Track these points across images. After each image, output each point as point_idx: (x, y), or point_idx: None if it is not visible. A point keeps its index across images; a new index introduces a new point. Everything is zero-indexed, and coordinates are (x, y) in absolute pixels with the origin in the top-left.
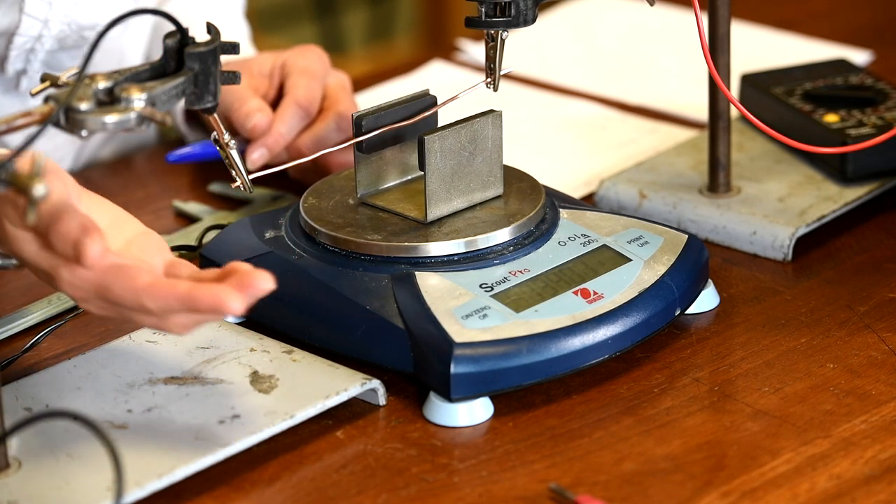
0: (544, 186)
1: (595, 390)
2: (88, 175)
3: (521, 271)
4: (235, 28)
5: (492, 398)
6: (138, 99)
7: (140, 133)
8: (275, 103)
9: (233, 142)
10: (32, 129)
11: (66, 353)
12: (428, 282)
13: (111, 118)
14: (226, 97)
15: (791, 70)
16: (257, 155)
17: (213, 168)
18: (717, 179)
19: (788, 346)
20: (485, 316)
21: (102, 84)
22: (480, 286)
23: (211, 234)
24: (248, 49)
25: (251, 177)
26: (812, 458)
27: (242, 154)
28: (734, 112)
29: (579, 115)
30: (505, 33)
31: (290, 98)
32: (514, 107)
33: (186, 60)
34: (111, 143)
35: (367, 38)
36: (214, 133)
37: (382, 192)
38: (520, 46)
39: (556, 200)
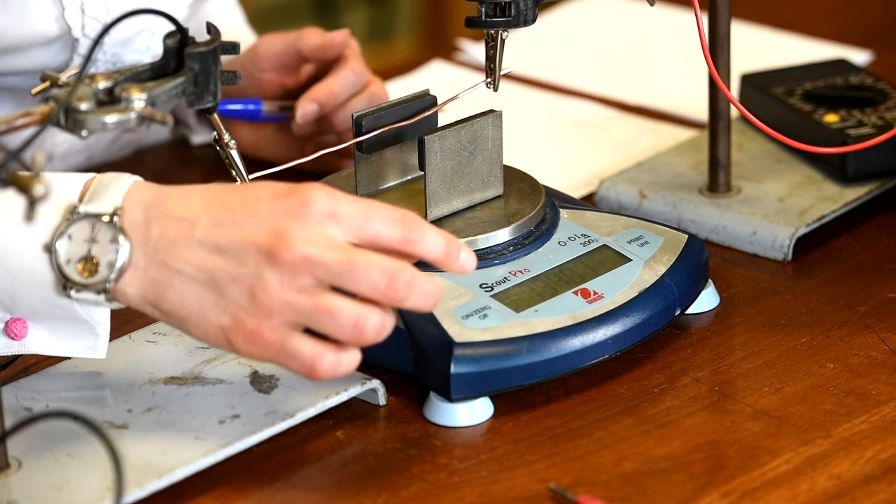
0: (544, 186)
1: (595, 390)
2: None
3: (521, 271)
4: (232, 16)
5: (492, 398)
6: (138, 99)
7: (139, 133)
8: (303, 87)
9: (233, 142)
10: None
11: None
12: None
13: (111, 118)
14: (288, 36)
15: (791, 70)
16: (309, 109)
17: (213, 168)
18: (717, 179)
19: (788, 346)
20: (485, 316)
21: (102, 84)
22: (480, 286)
23: None
24: (249, 35)
25: (251, 176)
26: (812, 458)
27: (290, 119)
28: (734, 112)
29: (579, 115)
30: (505, 33)
31: (346, 63)
32: (514, 107)
33: (186, 60)
34: (130, 143)
35: (367, 38)
36: (215, 133)
37: (382, 192)
38: (520, 46)
39: (556, 200)
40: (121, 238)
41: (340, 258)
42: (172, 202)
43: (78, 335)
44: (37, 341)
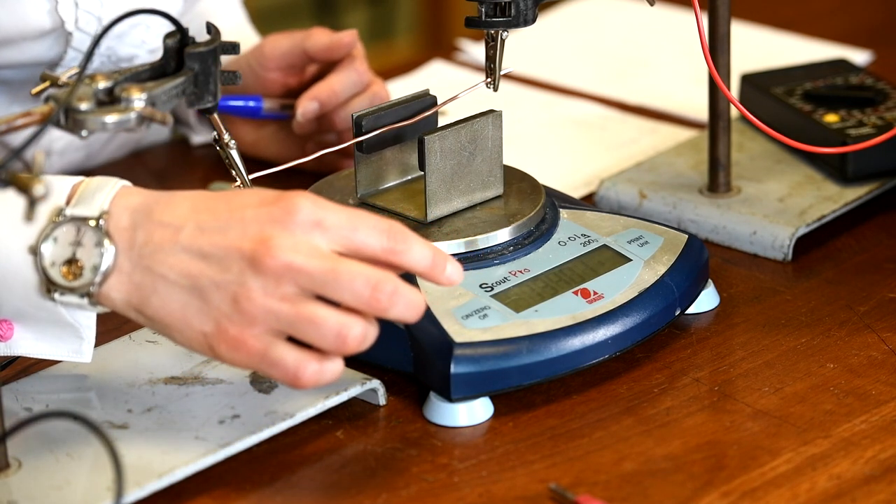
0: (544, 186)
1: (595, 390)
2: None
3: (521, 271)
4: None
5: (492, 398)
6: (138, 99)
7: (139, 132)
8: (306, 87)
9: (233, 142)
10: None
11: None
12: (428, 282)
13: (111, 118)
14: (295, 35)
15: (791, 70)
16: (310, 107)
17: (214, 168)
18: (717, 179)
19: (788, 346)
20: (485, 316)
21: (102, 84)
22: (480, 286)
23: None
24: (250, 33)
25: (251, 177)
26: (812, 458)
27: (291, 117)
28: (734, 112)
29: (579, 115)
30: (505, 33)
31: (349, 63)
32: (514, 107)
33: (186, 60)
34: (128, 144)
35: (367, 38)
36: (215, 133)
37: (382, 192)
38: (520, 46)
39: (556, 200)
40: (106, 242)
41: (324, 267)
42: (158, 207)
43: (63, 338)
44: (22, 343)
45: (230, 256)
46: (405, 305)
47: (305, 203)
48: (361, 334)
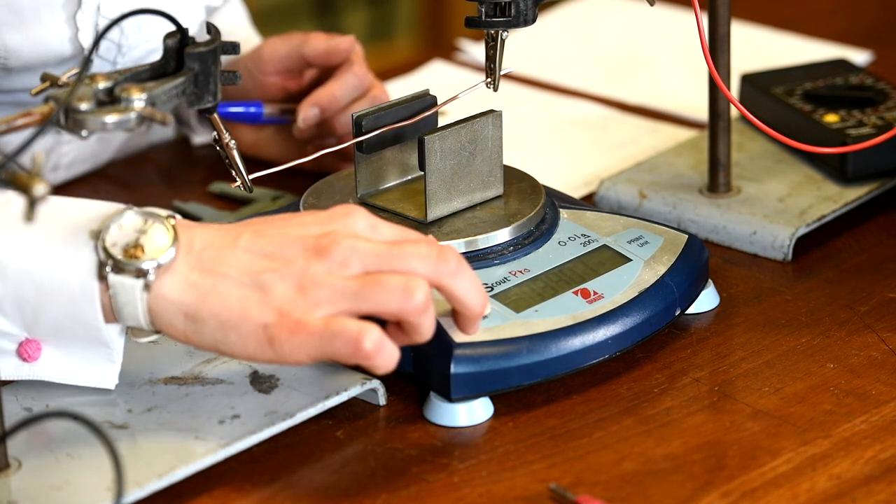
0: (544, 186)
1: (595, 390)
2: (87, 177)
3: (521, 271)
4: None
5: (492, 398)
6: (138, 99)
7: (140, 134)
8: (305, 91)
9: (233, 142)
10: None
11: None
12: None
13: (111, 118)
14: (293, 39)
15: (791, 70)
16: (311, 113)
17: (214, 168)
18: (717, 179)
19: (788, 346)
20: (485, 316)
21: (102, 84)
22: None
23: None
24: (253, 35)
25: (251, 176)
26: (812, 458)
27: (291, 122)
28: (734, 112)
29: (579, 115)
30: (505, 33)
31: (349, 68)
32: (514, 107)
33: (186, 60)
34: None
35: (367, 38)
36: (215, 133)
37: (382, 192)
38: (520, 46)
39: (556, 200)
40: (172, 236)
41: (389, 246)
42: (212, 227)
43: (93, 361)
44: (48, 365)
45: (294, 250)
46: (470, 278)
47: (360, 210)
48: (425, 294)
